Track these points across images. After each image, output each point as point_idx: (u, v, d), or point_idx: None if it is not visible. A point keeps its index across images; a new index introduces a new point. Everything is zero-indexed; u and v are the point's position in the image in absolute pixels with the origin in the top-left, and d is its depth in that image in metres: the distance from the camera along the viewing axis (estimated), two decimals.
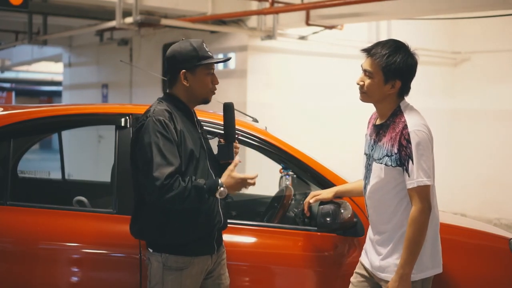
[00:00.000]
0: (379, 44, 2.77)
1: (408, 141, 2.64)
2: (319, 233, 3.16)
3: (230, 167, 2.70)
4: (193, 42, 2.78)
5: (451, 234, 3.33)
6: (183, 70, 2.75)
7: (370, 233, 2.90)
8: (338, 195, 3.14)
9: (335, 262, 3.13)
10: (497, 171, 9.77)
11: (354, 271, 2.98)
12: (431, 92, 9.92)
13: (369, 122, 2.97)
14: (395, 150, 2.68)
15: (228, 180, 2.66)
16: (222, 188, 2.62)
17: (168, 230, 2.69)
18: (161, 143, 2.59)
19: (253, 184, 2.71)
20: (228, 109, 2.89)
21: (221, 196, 2.64)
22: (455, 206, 9.49)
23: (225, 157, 2.86)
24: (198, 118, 2.93)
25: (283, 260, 3.18)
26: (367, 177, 2.85)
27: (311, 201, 3.11)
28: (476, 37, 10.10)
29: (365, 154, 2.90)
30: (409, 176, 2.65)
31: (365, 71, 2.76)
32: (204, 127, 3.01)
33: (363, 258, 2.95)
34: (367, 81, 2.75)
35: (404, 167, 2.66)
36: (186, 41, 2.80)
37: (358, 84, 2.79)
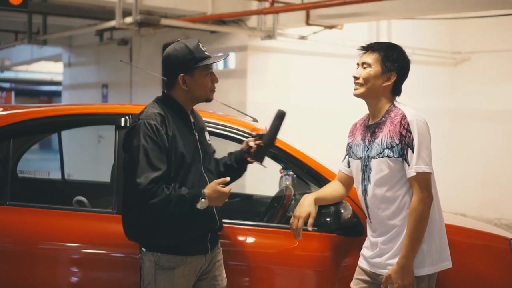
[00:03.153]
0: (376, 43, 2.90)
1: (408, 131, 2.69)
2: (319, 233, 3.15)
3: (218, 180, 2.66)
4: (189, 43, 2.73)
5: (451, 234, 3.32)
6: (181, 74, 2.71)
7: (372, 235, 2.88)
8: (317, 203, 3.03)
9: (335, 263, 3.13)
10: (497, 171, 9.77)
11: (354, 276, 2.97)
12: (431, 92, 9.91)
13: (354, 130, 3.00)
14: (396, 141, 2.71)
15: (211, 192, 2.63)
16: (203, 200, 2.61)
17: (160, 231, 2.68)
18: (149, 147, 2.58)
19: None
20: (280, 116, 2.94)
21: (201, 207, 2.62)
22: (455, 206, 9.48)
23: (257, 159, 2.89)
24: (204, 119, 2.93)
25: (283, 260, 3.18)
26: (364, 178, 2.85)
27: (309, 229, 2.93)
28: (476, 37, 10.10)
29: (359, 158, 2.89)
30: (408, 165, 2.69)
31: (363, 63, 2.84)
32: (209, 129, 3.01)
33: (362, 263, 2.93)
34: (364, 71, 2.82)
35: (404, 157, 2.70)
36: (181, 43, 2.74)
37: (354, 76, 2.85)
